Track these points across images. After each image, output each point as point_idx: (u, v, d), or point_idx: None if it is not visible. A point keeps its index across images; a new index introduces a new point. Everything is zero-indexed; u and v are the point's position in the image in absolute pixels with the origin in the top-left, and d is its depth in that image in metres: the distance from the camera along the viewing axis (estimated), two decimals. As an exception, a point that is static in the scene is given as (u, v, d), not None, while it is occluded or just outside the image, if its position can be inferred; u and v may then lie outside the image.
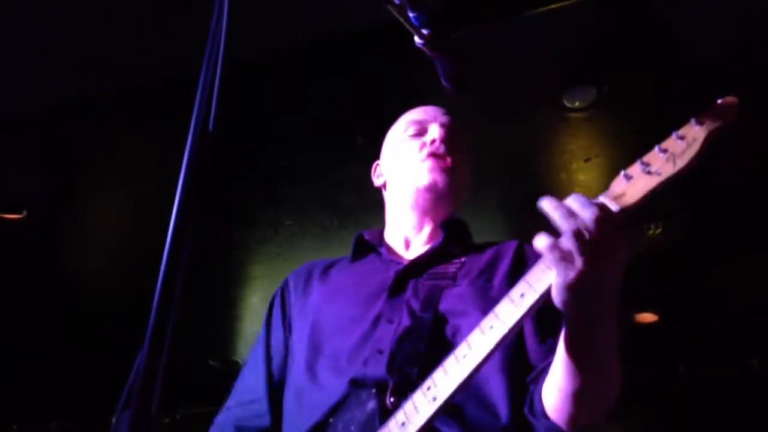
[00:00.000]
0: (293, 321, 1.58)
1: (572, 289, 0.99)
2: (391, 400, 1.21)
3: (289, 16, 2.74)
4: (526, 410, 1.23)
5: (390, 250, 1.63)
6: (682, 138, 1.04)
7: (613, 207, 1.00)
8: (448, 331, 1.33)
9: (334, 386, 1.32)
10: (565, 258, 0.97)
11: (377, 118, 3.36)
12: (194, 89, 0.86)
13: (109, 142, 3.48)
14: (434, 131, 1.63)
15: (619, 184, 1.04)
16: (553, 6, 2.68)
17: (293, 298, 1.63)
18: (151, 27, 2.78)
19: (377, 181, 1.82)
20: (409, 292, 1.43)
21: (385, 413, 1.19)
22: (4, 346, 5.30)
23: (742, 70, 2.99)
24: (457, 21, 2.53)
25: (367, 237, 1.66)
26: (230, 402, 1.62)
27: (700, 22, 2.80)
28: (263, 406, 1.51)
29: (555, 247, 0.98)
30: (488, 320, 1.08)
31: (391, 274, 1.49)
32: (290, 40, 2.87)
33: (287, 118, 3.36)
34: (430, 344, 1.29)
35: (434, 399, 1.10)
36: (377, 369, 1.28)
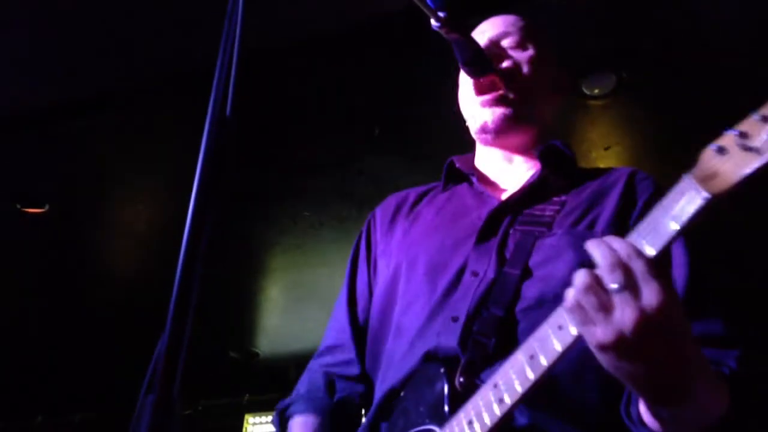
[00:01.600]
0: (378, 260, 1.47)
1: (605, 352, 0.84)
2: (461, 380, 1.10)
3: (306, 6, 2.74)
4: (622, 409, 1.07)
5: (483, 178, 1.47)
6: None
7: (702, 194, 0.79)
8: (535, 291, 1.18)
9: (405, 355, 1.22)
10: (587, 319, 0.84)
11: (395, 109, 3.39)
12: (212, 82, 0.86)
13: (129, 136, 3.51)
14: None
15: (709, 160, 0.80)
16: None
17: (378, 235, 1.51)
18: (168, 19, 2.79)
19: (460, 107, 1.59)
20: (499, 238, 1.28)
21: (455, 397, 1.08)
22: (27, 339, 5.38)
23: (763, 58, 2.93)
24: (474, 6, 2.51)
25: (458, 164, 1.49)
26: (322, 345, 1.49)
27: (721, 11, 2.75)
28: (351, 353, 1.41)
29: (577, 306, 0.84)
30: (557, 315, 0.92)
31: (483, 213, 1.34)
32: (309, 30, 2.86)
33: (305, 110, 3.36)
34: (511, 309, 1.16)
35: (501, 401, 0.96)
36: (450, 340, 1.16)
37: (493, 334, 1.14)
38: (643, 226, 0.85)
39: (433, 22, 1.13)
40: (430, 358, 1.18)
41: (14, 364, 5.56)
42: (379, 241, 1.50)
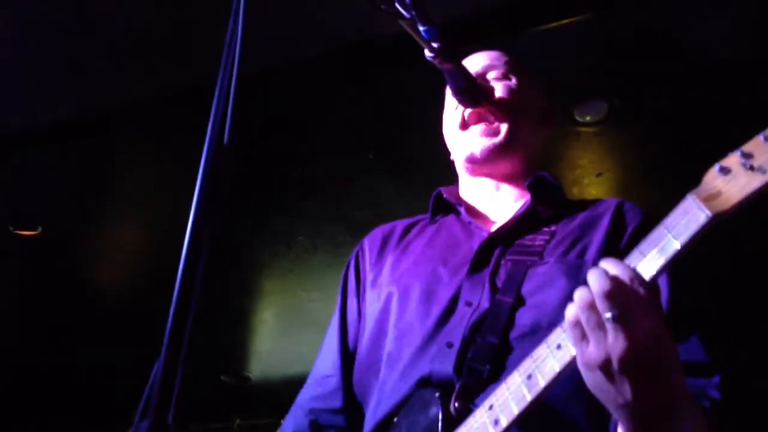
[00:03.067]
0: (367, 291, 1.47)
1: (593, 372, 0.86)
2: (456, 405, 1.11)
3: (302, 29, 2.77)
4: None
5: (470, 209, 1.48)
6: None
7: (704, 213, 0.80)
8: (529, 319, 1.19)
9: (398, 381, 1.23)
10: (582, 335, 0.86)
11: (390, 133, 3.41)
12: (210, 101, 0.87)
13: (124, 157, 3.52)
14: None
15: (713, 180, 0.82)
16: (563, 21, 2.69)
17: (368, 265, 1.51)
18: (167, 41, 2.81)
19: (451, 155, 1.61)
20: (491, 268, 1.29)
21: (449, 422, 1.09)
22: (18, 362, 5.33)
23: (753, 85, 2.98)
24: (467, 36, 2.55)
25: (445, 195, 1.50)
26: (310, 376, 1.51)
27: (711, 39, 2.79)
28: (336, 383, 1.42)
29: (576, 322, 0.87)
30: (556, 336, 0.93)
31: (474, 244, 1.35)
32: (303, 53, 2.89)
33: (300, 133, 3.38)
34: (505, 336, 1.17)
35: (496, 422, 0.98)
36: (444, 366, 1.17)
37: (487, 360, 1.15)
38: (645, 245, 0.87)
39: (426, 52, 1.16)
40: (425, 383, 1.19)
41: (4, 387, 5.50)
42: (369, 272, 1.51)
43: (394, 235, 1.54)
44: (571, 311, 0.87)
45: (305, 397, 1.48)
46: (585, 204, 1.40)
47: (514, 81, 1.48)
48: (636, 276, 0.84)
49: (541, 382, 0.93)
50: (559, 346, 0.92)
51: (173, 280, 0.78)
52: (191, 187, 0.84)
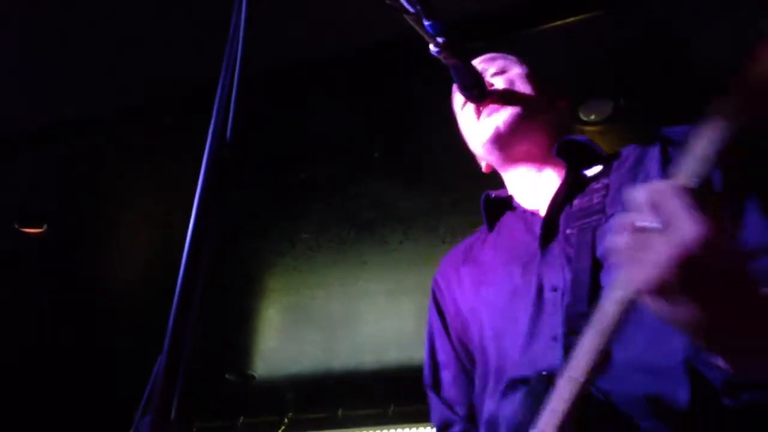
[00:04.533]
0: (460, 323, 1.45)
1: (651, 297, 0.79)
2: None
3: (307, 30, 2.77)
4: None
5: (521, 200, 1.46)
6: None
7: (710, 146, 0.79)
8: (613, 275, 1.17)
9: (509, 403, 1.21)
10: (627, 262, 0.80)
11: (395, 131, 3.41)
12: (213, 101, 0.87)
13: (129, 156, 3.52)
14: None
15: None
16: (569, 20, 2.68)
17: (447, 299, 1.49)
18: (172, 40, 2.82)
19: (482, 166, 1.58)
20: (561, 245, 1.26)
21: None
22: (23, 362, 5.35)
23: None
24: (473, 34, 2.54)
25: (494, 195, 1.49)
26: (435, 428, 1.48)
27: (718, 38, 2.79)
28: (459, 426, 1.40)
29: (617, 250, 0.81)
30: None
31: (536, 229, 1.32)
32: (308, 52, 2.89)
33: (305, 131, 3.38)
34: (593, 301, 1.09)
35: (574, 383, 0.95)
36: (554, 360, 1.14)
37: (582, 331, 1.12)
38: (684, 159, 0.82)
39: (432, 47, 1.15)
40: (539, 379, 1.17)
41: (10, 387, 5.52)
42: (450, 305, 1.49)
43: (460, 257, 1.52)
44: (616, 239, 0.81)
45: None
46: (628, 149, 1.35)
47: (518, 70, 1.48)
48: (672, 185, 0.78)
49: (602, 333, 0.89)
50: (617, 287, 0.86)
51: (177, 277, 0.78)
52: (195, 185, 0.84)
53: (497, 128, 1.39)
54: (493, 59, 1.50)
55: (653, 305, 0.80)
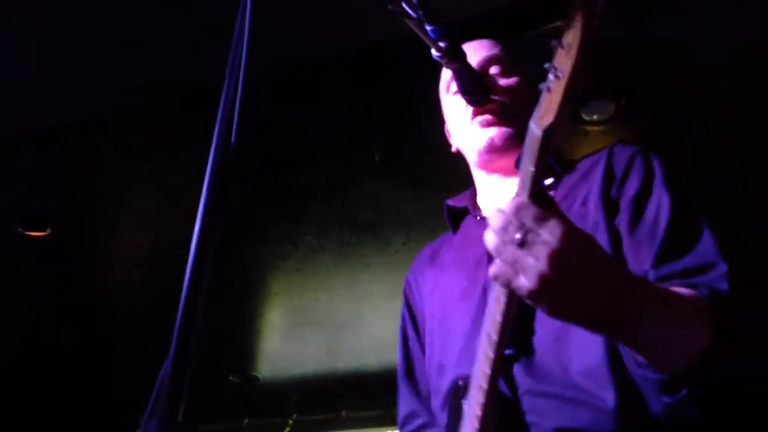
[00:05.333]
0: (423, 320, 1.53)
1: (539, 300, 0.88)
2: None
3: (306, 31, 2.77)
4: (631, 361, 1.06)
5: (482, 206, 1.53)
6: (571, 25, 0.90)
7: (537, 131, 0.89)
8: None
9: (443, 388, 1.29)
10: (510, 276, 0.89)
11: (395, 133, 3.42)
12: (216, 102, 0.88)
13: (129, 156, 3.53)
14: None
15: (543, 101, 0.92)
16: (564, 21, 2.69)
17: (419, 295, 1.57)
18: (172, 41, 2.82)
19: (452, 147, 1.63)
20: None
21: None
22: (26, 364, 5.36)
23: (758, 85, 2.98)
24: (473, 35, 2.55)
25: (451, 203, 1.57)
26: (399, 418, 1.55)
27: (718, 39, 2.79)
28: (425, 416, 1.47)
29: (498, 268, 0.90)
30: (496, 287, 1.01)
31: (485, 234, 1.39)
32: (308, 54, 2.90)
33: (305, 133, 3.39)
34: (524, 310, 1.15)
35: (479, 387, 1.06)
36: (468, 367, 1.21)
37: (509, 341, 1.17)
38: (522, 175, 0.94)
39: (433, 52, 1.16)
40: (455, 389, 1.24)
41: (13, 389, 5.53)
42: (418, 303, 1.56)
43: (428, 257, 1.59)
44: (492, 268, 0.89)
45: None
46: (583, 162, 1.41)
47: (514, 78, 1.48)
48: (522, 200, 0.88)
49: (495, 337, 1.00)
50: (497, 300, 0.99)
51: (181, 280, 0.78)
52: (199, 188, 0.84)
53: (492, 141, 1.42)
54: (497, 55, 1.50)
55: (539, 304, 0.88)
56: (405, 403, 1.52)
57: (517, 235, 0.85)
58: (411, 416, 1.49)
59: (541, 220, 0.85)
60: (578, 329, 1.12)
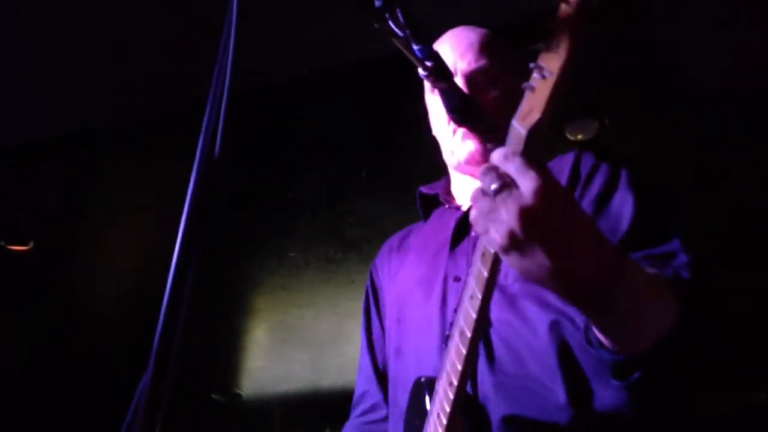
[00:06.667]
0: (386, 304, 1.56)
1: (508, 255, 0.85)
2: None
3: (294, 47, 2.79)
4: (583, 340, 1.05)
5: (455, 194, 1.54)
6: (558, 24, 0.87)
7: (521, 130, 0.87)
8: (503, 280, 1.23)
9: (407, 382, 1.30)
10: (484, 228, 0.86)
11: (382, 149, 3.43)
12: (201, 118, 0.87)
13: (115, 171, 3.51)
14: None
15: (526, 100, 0.89)
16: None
17: (382, 279, 1.60)
18: (163, 58, 2.83)
19: (433, 131, 1.62)
20: (469, 240, 1.35)
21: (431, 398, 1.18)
22: (9, 379, 5.28)
23: (741, 103, 3.03)
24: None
25: (425, 191, 1.58)
26: (354, 396, 1.59)
27: (701, 58, 2.84)
28: (377, 396, 1.52)
29: (475, 218, 0.87)
30: (469, 285, 0.99)
31: (451, 224, 1.42)
32: (296, 70, 2.91)
33: (291, 150, 3.40)
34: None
35: (450, 384, 1.06)
36: (437, 363, 1.23)
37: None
38: (512, 133, 0.92)
39: (420, 71, 1.16)
40: (424, 383, 1.25)
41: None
42: (383, 286, 1.59)
43: (396, 243, 1.62)
44: (471, 210, 0.87)
45: (354, 414, 1.57)
46: (552, 162, 1.41)
47: (497, 91, 1.47)
48: (509, 150, 0.85)
49: (468, 334, 0.99)
50: (472, 296, 0.97)
51: (161, 292, 0.78)
52: (182, 201, 0.84)
53: (472, 156, 1.43)
54: (481, 59, 1.48)
55: (509, 261, 0.85)
56: (362, 381, 1.57)
57: (494, 186, 0.82)
58: (363, 396, 1.55)
59: (521, 173, 0.81)
60: (529, 316, 1.17)
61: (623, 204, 1.21)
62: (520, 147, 0.86)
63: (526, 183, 0.81)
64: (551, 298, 1.18)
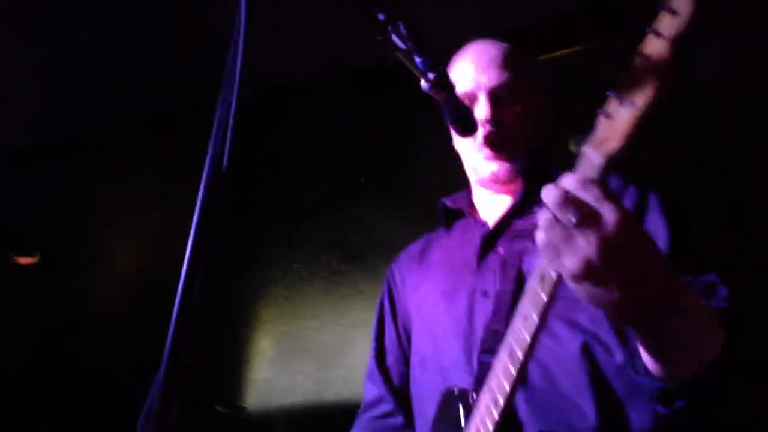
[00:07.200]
0: (405, 312, 1.57)
1: (579, 282, 0.86)
2: (474, 397, 1.20)
3: (298, 54, 2.80)
4: (629, 369, 1.08)
5: (479, 208, 1.55)
6: (646, 56, 0.84)
7: (597, 159, 0.86)
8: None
9: (434, 392, 1.32)
10: (556, 253, 0.86)
11: (384, 159, 3.43)
12: (207, 122, 0.88)
13: (118, 177, 3.52)
14: (482, 106, 1.45)
15: (602, 127, 0.88)
16: (558, 53, 2.73)
17: (401, 288, 1.61)
18: (162, 59, 2.83)
19: (455, 145, 1.62)
20: (496, 256, 1.38)
21: (467, 413, 1.19)
22: (15, 390, 5.28)
23: (743, 115, 3.04)
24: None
25: (449, 204, 1.58)
26: (364, 401, 1.60)
27: (706, 68, 2.84)
28: (390, 404, 1.53)
29: (546, 244, 0.87)
30: (523, 306, 0.98)
31: (477, 239, 1.43)
32: (297, 78, 2.92)
33: (295, 161, 3.41)
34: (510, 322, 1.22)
35: (495, 403, 1.06)
36: (467, 377, 1.27)
37: (493, 350, 1.19)
38: (584, 158, 0.91)
39: (422, 82, 1.18)
40: (450, 392, 1.28)
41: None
42: (403, 295, 1.60)
43: (417, 253, 1.62)
44: (540, 235, 0.87)
45: (366, 417, 1.58)
46: None
47: (520, 106, 1.48)
48: (585, 178, 0.85)
49: (520, 356, 0.99)
50: (525, 317, 0.97)
51: (171, 303, 0.78)
52: (186, 208, 0.85)
53: (496, 176, 1.45)
54: (503, 75, 1.48)
55: (579, 289, 0.86)
56: (374, 386, 1.57)
57: (573, 219, 0.82)
58: (378, 401, 1.55)
59: (600, 203, 0.82)
60: (560, 336, 1.19)
61: (656, 231, 1.21)
62: (594, 174, 0.86)
63: (607, 214, 0.82)
64: (582, 320, 1.21)
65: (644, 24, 0.85)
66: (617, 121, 0.85)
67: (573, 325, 1.22)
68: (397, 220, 3.60)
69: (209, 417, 5.80)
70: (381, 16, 1.09)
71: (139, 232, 4.00)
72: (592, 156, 0.87)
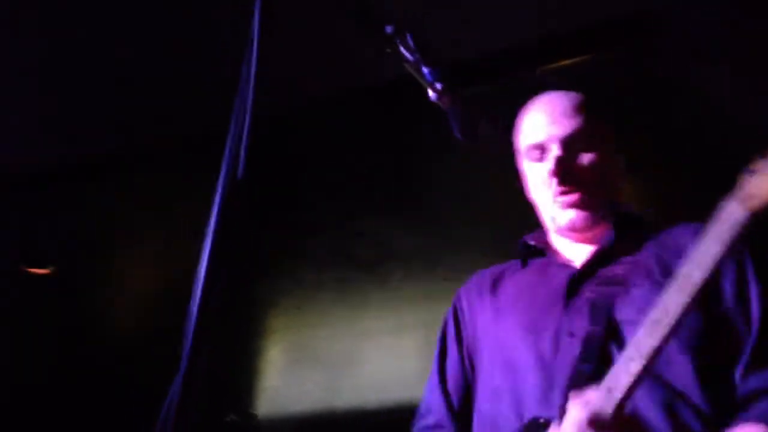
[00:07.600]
0: (472, 339, 1.58)
1: None
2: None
3: (308, 72, 2.83)
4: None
5: (559, 249, 1.59)
6: None
7: (740, 213, 0.90)
8: (617, 346, 1.28)
9: (509, 420, 1.34)
10: None
11: (395, 171, 3.46)
12: (220, 143, 0.90)
13: (136, 198, 3.56)
14: (552, 158, 1.50)
15: (748, 184, 0.91)
16: (561, 63, 2.74)
17: (468, 315, 1.62)
18: (180, 83, 2.87)
19: (529, 194, 1.66)
20: (582, 300, 1.41)
21: None
22: (30, 404, 5.31)
23: (750, 131, 3.03)
24: (470, 76, 2.60)
25: (531, 242, 1.62)
26: (421, 424, 1.61)
27: (711, 89, 2.84)
28: (449, 429, 1.54)
29: None
30: (630, 347, 1.05)
31: (563, 279, 1.46)
32: (309, 94, 2.95)
33: (305, 171, 3.43)
34: (599, 363, 1.26)
35: None
36: (551, 409, 1.29)
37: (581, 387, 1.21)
38: (694, 255, 0.95)
39: (430, 93, 1.20)
40: (534, 425, 1.31)
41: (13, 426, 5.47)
42: (469, 322, 1.61)
43: (488, 283, 1.63)
44: None
45: (417, 427, 1.60)
46: (670, 231, 1.47)
47: (594, 154, 1.52)
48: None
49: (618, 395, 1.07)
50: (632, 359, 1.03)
51: (185, 319, 0.80)
52: (203, 225, 0.87)
53: (573, 224, 1.50)
54: (578, 125, 1.53)
55: None
56: (433, 412, 1.57)
57: None
58: (437, 427, 1.55)
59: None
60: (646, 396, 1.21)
61: (750, 312, 1.25)
62: (736, 232, 0.89)
63: None
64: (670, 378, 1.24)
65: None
66: (765, 180, 0.88)
67: (657, 379, 1.25)
68: (408, 234, 3.62)
69: (221, 425, 5.79)
70: (389, 29, 1.11)
71: (158, 252, 4.02)
72: (734, 210, 0.89)
